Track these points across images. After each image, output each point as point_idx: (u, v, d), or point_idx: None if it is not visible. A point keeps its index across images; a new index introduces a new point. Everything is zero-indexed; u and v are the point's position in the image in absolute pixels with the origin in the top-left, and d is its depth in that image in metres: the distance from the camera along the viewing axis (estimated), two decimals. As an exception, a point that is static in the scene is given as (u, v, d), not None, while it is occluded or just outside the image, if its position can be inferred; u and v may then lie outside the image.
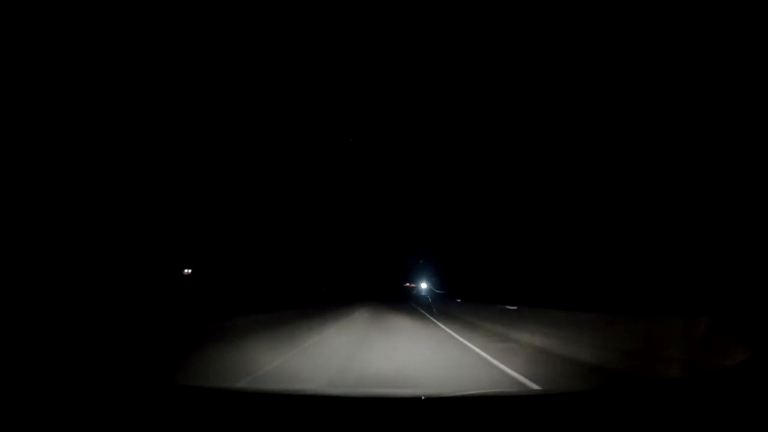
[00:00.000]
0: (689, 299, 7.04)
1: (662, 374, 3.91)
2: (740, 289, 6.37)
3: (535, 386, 4.17)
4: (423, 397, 2.16)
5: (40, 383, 1.80)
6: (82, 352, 5.07)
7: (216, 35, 18.31)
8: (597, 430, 1.55)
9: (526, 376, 4.54)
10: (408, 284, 60.23)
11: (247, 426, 1.54)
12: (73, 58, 13.86)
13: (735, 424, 1.49)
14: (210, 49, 19.24)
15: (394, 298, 37.55)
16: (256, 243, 30.74)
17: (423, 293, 45.32)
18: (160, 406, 1.63)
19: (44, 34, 12.70)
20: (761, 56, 7.89)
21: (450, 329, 9.84)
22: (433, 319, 13.34)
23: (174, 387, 2.15)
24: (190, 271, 24.24)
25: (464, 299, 17.17)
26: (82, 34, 13.89)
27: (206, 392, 2.05)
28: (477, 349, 6.59)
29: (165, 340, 6.97)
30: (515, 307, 9.50)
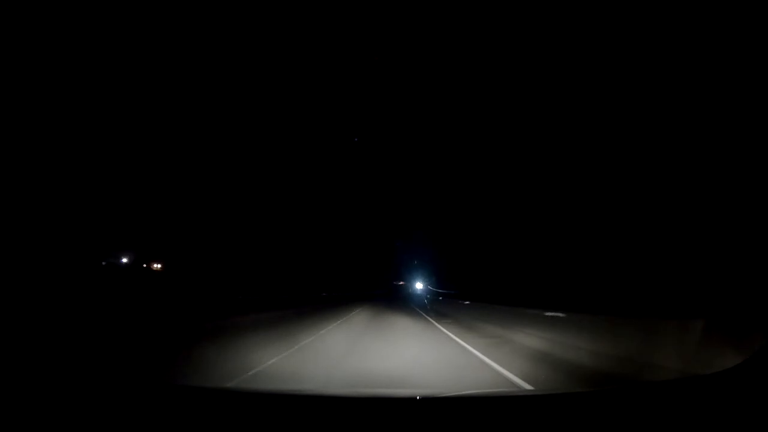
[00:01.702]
0: (686, 301, 7.02)
1: (659, 376, 3.92)
2: (737, 291, 6.36)
3: (530, 387, 4.16)
4: (418, 397, 2.17)
5: (38, 384, 1.81)
6: (76, 351, 5.08)
7: (221, 37, 18.42)
8: (592, 431, 1.56)
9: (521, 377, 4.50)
10: (396, 282, 59.55)
11: (244, 426, 1.55)
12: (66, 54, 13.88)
13: (731, 426, 1.50)
14: (214, 49, 19.32)
15: (390, 298, 36.84)
16: (254, 243, 30.73)
17: (419, 292, 44.40)
18: (158, 406, 1.64)
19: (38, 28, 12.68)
20: (761, 56, 7.88)
21: (452, 332, 9.54)
22: (433, 320, 13.22)
23: (172, 387, 2.16)
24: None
25: (470, 301, 16.87)
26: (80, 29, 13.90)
27: (204, 392, 2.06)
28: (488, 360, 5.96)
29: (165, 338, 7.01)
30: (531, 311, 8.34)
